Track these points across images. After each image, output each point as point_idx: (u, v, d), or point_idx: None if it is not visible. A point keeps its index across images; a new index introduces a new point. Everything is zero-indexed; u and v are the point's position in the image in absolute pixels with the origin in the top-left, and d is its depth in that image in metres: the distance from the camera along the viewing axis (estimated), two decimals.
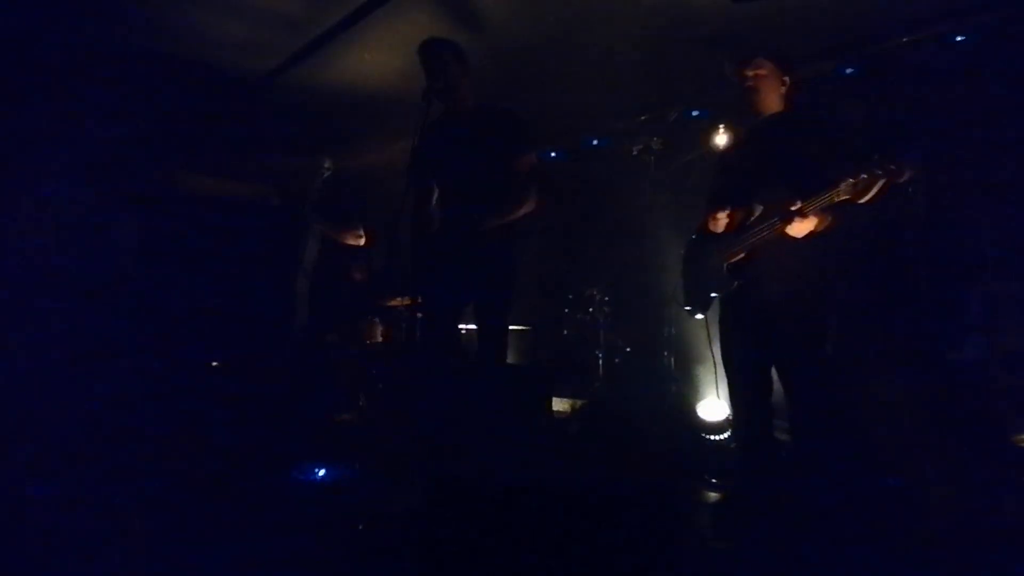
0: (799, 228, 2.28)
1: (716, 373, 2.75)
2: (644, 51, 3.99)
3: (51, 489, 2.75)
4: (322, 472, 3.10)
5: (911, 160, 2.07)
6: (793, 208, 2.26)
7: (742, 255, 2.49)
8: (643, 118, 4.94)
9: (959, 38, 3.54)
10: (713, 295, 2.64)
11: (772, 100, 2.54)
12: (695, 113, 4.58)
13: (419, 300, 2.90)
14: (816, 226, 2.29)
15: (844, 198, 2.15)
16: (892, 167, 2.04)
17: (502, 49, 4.00)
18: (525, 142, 2.83)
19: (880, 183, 2.07)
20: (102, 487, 2.83)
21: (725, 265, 2.54)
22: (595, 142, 5.42)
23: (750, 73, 2.53)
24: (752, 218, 2.47)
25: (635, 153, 4.69)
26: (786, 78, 2.56)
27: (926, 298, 3.32)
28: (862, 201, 2.14)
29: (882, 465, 2.60)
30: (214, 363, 5.33)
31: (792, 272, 2.36)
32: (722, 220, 2.54)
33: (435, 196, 2.96)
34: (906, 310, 3.38)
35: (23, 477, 2.86)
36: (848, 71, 3.91)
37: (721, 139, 4.20)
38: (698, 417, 3.84)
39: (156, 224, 5.60)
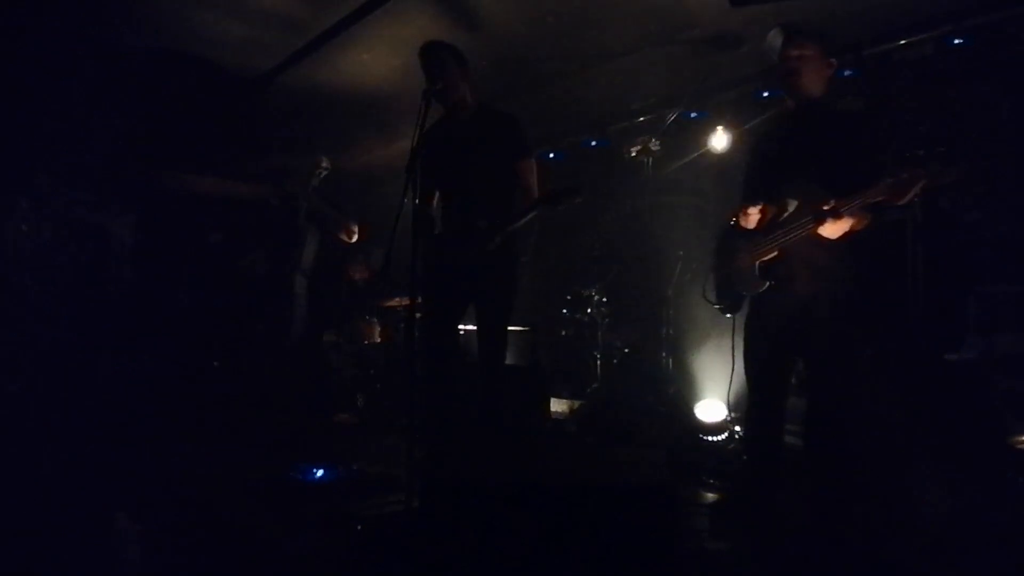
0: (832, 229, 2.14)
1: (733, 372, 2.66)
2: (643, 52, 4.00)
3: (50, 488, 2.75)
4: (321, 472, 3.10)
5: (955, 161, 1.97)
6: (826, 208, 2.12)
7: (774, 254, 2.35)
8: (641, 119, 4.95)
9: (956, 40, 3.55)
10: (744, 294, 2.51)
11: (814, 84, 2.36)
12: (694, 114, 4.59)
13: (418, 300, 2.90)
14: (853, 226, 2.14)
15: (880, 198, 2.03)
16: (936, 168, 1.93)
17: (501, 50, 4.01)
18: (525, 146, 2.86)
19: (921, 184, 1.95)
20: (100, 486, 2.82)
21: (757, 264, 2.40)
22: (593, 143, 5.44)
23: (794, 53, 2.34)
24: (785, 214, 2.32)
25: (633, 154, 4.70)
26: (832, 60, 2.40)
27: (924, 299, 3.33)
28: (900, 203, 2.01)
29: (880, 466, 2.60)
30: (215, 363, 5.33)
31: (827, 273, 2.24)
32: (753, 216, 2.39)
33: (436, 197, 2.97)
34: (904, 311, 3.39)
35: (22, 476, 2.85)
36: (846, 73, 3.92)
37: (720, 140, 4.20)
38: (696, 418, 3.85)
39: (153, 224, 5.59)
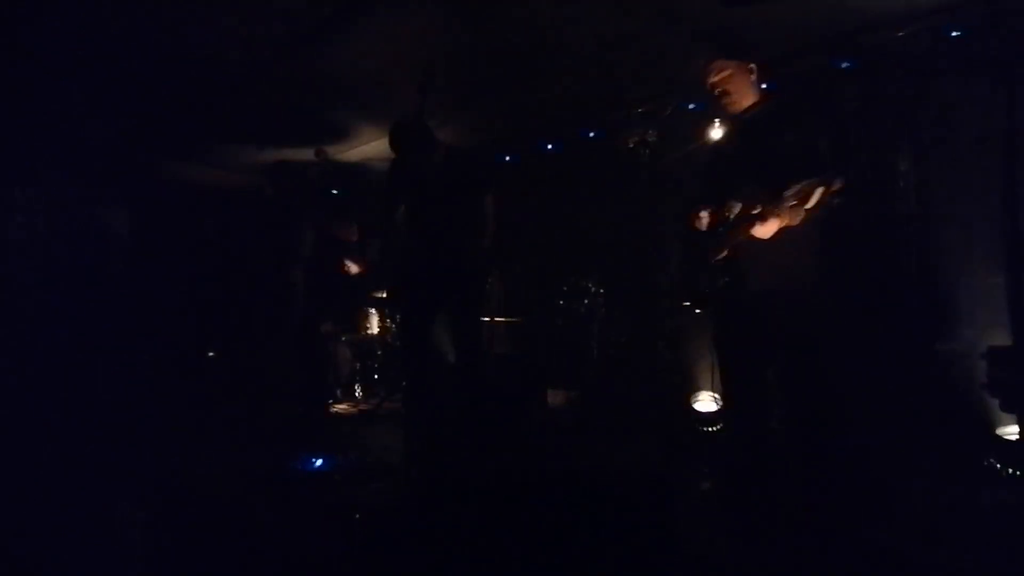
0: (762, 230, 2.29)
1: (713, 365, 2.76)
2: (640, 43, 3.99)
3: (48, 482, 2.76)
4: (319, 462, 3.13)
5: (846, 170, 2.12)
6: (754, 212, 2.29)
7: (726, 253, 2.49)
8: (639, 110, 4.94)
9: (953, 32, 3.56)
10: (707, 290, 2.64)
11: (743, 96, 2.55)
12: (691, 106, 4.59)
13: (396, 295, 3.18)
14: (787, 224, 2.26)
15: (792, 203, 2.18)
16: (830, 175, 2.10)
17: (498, 41, 4.00)
18: (489, 184, 3.29)
19: (819, 190, 2.11)
20: (99, 476, 2.85)
21: (713, 262, 2.54)
22: (591, 134, 5.42)
23: (716, 79, 2.54)
24: (731, 216, 2.47)
25: (631, 145, 4.70)
26: (752, 66, 2.56)
27: (917, 291, 3.35)
28: (807, 208, 2.17)
29: (869, 455, 2.64)
30: (211, 354, 5.35)
31: (778, 267, 2.35)
32: (704, 218, 2.57)
33: (401, 211, 3.31)
34: (897, 302, 3.42)
35: (18, 470, 2.87)
36: (843, 65, 3.92)
37: (716, 132, 4.21)
38: (692, 408, 3.88)
39: (149, 216, 5.58)
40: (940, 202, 3.39)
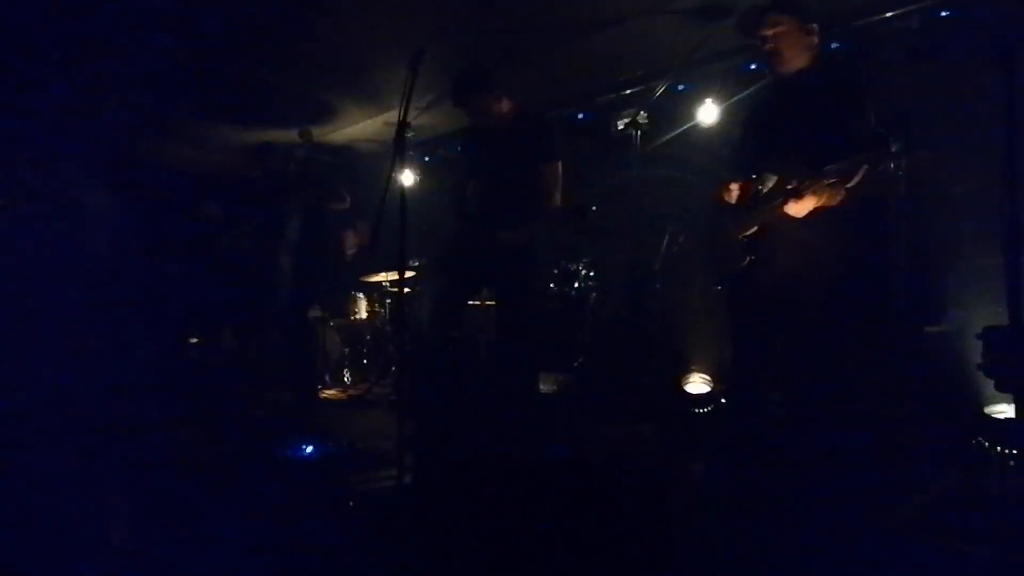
0: (796, 208, 2.17)
1: (699, 345, 2.71)
2: (631, 24, 3.95)
3: (43, 472, 2.72)
4: (309, 448, 3.10)
5: (895, 150, 2.04)
6: (789, 187, 2.15)
7: (755, 229, 2.37)
8: (629, 91, 4.91)
9: (944, 13, 3.55)
10: (730, 267, 2.53)
11: (795, 58, 2.33)
12: (682, 87, 4.55)
13: (406, 275, 3.03)
14: (823, 204, 2.14)
15: (833, 179, 2.05)
16: (878, 155, 1.98)
17: (489, 22, 3.94)
18: (551, 151, 3.01)
19: (863, 169, 1.97)
20: (85, 465, 2.81)
21: (740, 240, 2.42)
22: (581, 116, 5.38)
23: (769, 32, 2.32)
24: (766, 189, 2.33)
25: (621, 127, 4.67)
26: (813, 26, 2.35)
27: (907, 272, 3.37)
28: (848, 186, 2.03)
29: (859, 436, 2.65)
30: (194, 340, 5.28)
31: (807, 248, 2.24)
32: (734, 191, 2.43)
33: (470, 188, 3.15)
34: (886, 284, 3.43)
35: (14, 463, 2.82)
36: (833, 46, 3.90)
37: (708, 113, 4.18)
38: (684, 391, 3.90)
39: (131, 198, 5.46)
40: (932, 185, 3.39)
